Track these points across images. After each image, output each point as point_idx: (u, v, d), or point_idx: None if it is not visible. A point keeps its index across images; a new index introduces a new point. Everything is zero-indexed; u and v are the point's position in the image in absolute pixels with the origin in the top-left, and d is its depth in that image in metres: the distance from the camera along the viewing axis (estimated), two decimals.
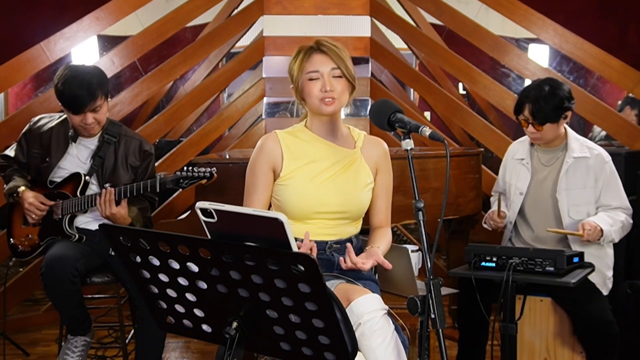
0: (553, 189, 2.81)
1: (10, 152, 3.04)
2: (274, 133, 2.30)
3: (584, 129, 6.40)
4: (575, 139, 2.85)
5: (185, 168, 2.69)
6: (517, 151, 2.96)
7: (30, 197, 2.86)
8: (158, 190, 2.73)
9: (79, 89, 2.73)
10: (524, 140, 2.98)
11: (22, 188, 2.89)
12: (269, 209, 2.30)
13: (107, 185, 2.83)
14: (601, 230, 2.65)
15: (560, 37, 4.41)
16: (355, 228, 2.31)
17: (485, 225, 2.96)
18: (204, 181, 2.68)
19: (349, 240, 2.28)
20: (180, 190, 2.74)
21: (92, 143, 2.93)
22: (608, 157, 2.81)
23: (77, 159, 2.92)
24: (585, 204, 2.77)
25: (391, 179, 2.36)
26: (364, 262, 2.09)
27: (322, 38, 2.26)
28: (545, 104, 2.71)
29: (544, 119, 2.73)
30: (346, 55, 2.23)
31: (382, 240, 2.28)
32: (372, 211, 2.33)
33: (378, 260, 2.12)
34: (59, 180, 2.90)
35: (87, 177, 2.87)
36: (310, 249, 2.01)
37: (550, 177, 2.85)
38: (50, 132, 2.94)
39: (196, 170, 2.67)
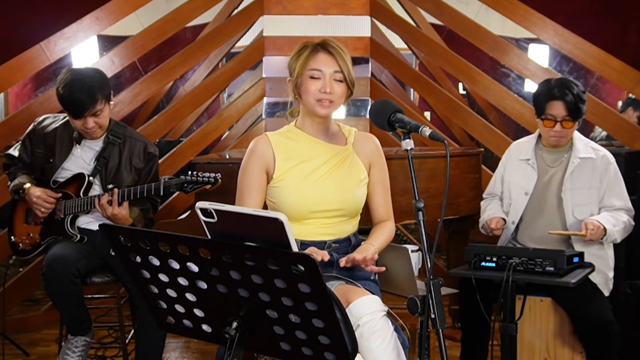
0: (558, 189, 2.81)
1: (14, 151, 3.04)
2: (264, 135, 2.29)
3: (584, 129, 6.40)
4: (580, 140, 2.85)
5: (190, 172, 2.69)
6: (522, 151, 2.94)
7: (38, 191, 2.86)
8: (162, 194, 2.73)
9: (79, 93, 2.72)
10: (528, 140, 2.97)
11: (28, 185, 2.90)
12: None
13: (110, 186, 2.83)
14: (604, 229, 2.65)
15: (560, 37, 4.41)
16: (352, 226, 2.30)
17: (482, 231, 2.95)
18: (208, 186, 2.68)
19: (348, 239, 2.28)
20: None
21: (97, 145, 2.93)
22: (613, 159, 2.82)
23: (81, 160, 2.92)
24: (589, 204, 2.77)
25: (386, 173, 2.34)
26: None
27: (327, 38, 2.25)
28: (580, 100, 2.73)
29: (580, 113, 2.75)
30: (349, 60, 2.23)
31: (378, 237, 2.26)
32: (371, 207, 2.33)
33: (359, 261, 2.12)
34: (62, 180, 2.91)
35: (90, 178, 2.87)
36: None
37: (556, 177, 2.85)
38: (55, 133, 2.94)
39: (201, 175, 2.67)
